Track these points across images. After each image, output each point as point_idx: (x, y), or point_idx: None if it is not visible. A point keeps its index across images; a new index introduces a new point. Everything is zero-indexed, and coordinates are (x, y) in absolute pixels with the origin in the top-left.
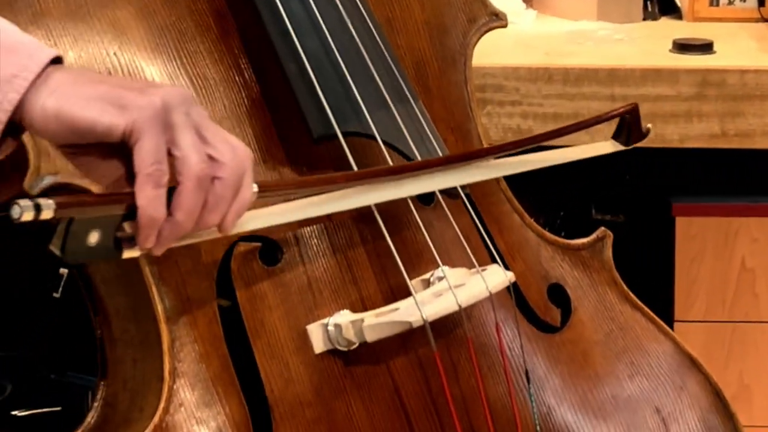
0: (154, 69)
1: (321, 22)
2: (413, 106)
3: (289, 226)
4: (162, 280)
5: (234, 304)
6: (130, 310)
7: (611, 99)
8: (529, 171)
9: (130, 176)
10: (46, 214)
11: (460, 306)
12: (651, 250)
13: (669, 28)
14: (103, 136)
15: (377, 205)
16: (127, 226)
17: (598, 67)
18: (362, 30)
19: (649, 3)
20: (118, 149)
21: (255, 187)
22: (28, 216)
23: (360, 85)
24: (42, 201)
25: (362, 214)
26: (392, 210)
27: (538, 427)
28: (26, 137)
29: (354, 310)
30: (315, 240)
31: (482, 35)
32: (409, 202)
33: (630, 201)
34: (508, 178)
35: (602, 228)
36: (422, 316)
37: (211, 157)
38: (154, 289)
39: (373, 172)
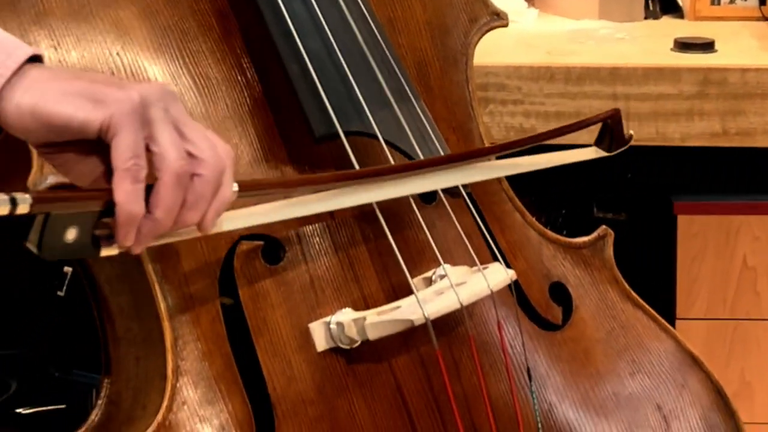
0: (156, 69)
1: (323, 22)
2: (415, 106)
3: (291, 224)
4: (165, 278)
5: (237, 302)
6: (134, 308)
7: (613, 98)
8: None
9: (109, 174)
10: (22, 209)
11: (461, 304)
12: (652, 249)
13: (670, 27)
14: (79, 133)
15: (379, 204)
16: (105, 224)
17: (599, 65)
18: (364, 30)
19: (650, 2)
20: (97, 147)
21: (235, 186)
22: (3, 210)
23: (362, 84)
24: (18, 195)
25: (364, 213)
26: (394, 208)
27: (539, 425)
28: None
29: (356, 309)
30: (317, 238)
31: (484, 35)
32: (411, 200)
33: (632, 199)
34: (510, 177)
35: (603, 226)
36: (424, 314)
37: (190, 154)
38: (157, 288)
39: (360, 173)
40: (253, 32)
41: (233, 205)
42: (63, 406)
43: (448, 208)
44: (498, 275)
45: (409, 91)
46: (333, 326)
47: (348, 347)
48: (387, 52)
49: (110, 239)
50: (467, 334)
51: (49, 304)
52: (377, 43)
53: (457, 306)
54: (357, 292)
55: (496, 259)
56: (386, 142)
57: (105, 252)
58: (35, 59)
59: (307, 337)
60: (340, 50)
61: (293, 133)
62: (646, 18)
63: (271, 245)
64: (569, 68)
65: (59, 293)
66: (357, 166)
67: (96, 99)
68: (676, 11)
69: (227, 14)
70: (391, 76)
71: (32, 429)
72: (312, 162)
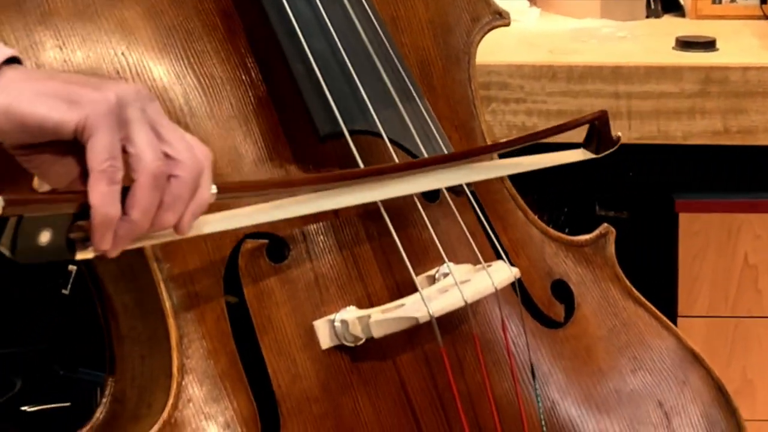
0: (161, 69)
1: (327, 21)
2: (419, 105)
3: (295, 223)
4: (170, 277)
5: (241, 300)
6: (138, 306)
7: (615, 96)
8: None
9: (86, 175)
10: None
11: (466, 302)
12: (654, 246)
13: (672, 26)
14: (54, 134)
15: (383, 202)
16: (81, 227)
17: (601, 64)
18: (368, 29)
19: (652, 1)
20: (73, 148)
21: (214, 188)
22: None
23: (366, 83)
24: None
25: (368, 211)
26: (398, 207)
27: (543, 422)
28: None
29: (360, 306)
30: (321, 237)
31: (486, 34)
32: (415, 199)
33: (633, 197)
34: (512, 176)
35: (605, 224)
36: (429, 312)
37: (167, 155)
38: (162, 286)
39: (345, 175)
40: (257, 32)
41: (226, 206)
42: (68, 405)
43: (452, 206)
44: (502, 273)
45: (413, 90)
46: (337, 324)
47: (352, 345)
48: (391, 51)
49: (86, 242)
50: (471, 331)
51: (53, 302)
52: (381, 42)
53: (462, 304)
54: (361, 290)
55: (499, 257)
56: (391, 140)
57: (80, 255)
58: (13, 60)
59: (311, 335)
60: (344, 49)
61: (298, 133)
62: (647, 17)
63: (276, 243)
64: (571, 67)
65: (64, 292)
66: (362, 165)
67: (71, 100)
68: (677, 10)
69: (232, 14)
70: (395, 75)
71: (37, 427)
72: (317, 161)
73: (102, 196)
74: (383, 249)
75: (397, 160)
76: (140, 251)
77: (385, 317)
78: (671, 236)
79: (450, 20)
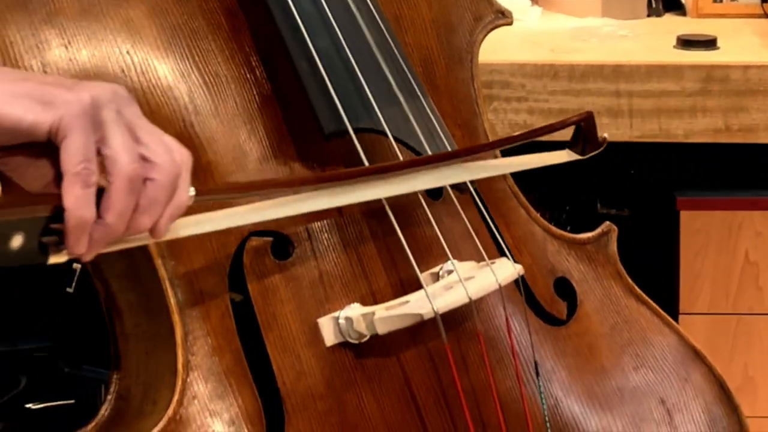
0: (166, 67)
1: (332, 19)
2: (423, 103)
3: (300, 220)
4: (175, 274)
5: (246, 297)
6: (143, 304)
7: (616, 95)
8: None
9: (60, 178)
10: None
11: (470, 298)
12: (656, 244)
13: (673, 25)
14: (28, 135)
15: (387, 200)
16: (54, 230)
17: (603, 63)
18: (372, 28)
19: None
20: (47, 150)
21: (192, 191)
22: None
23: (371, 82)
24: None
25: (373, 209)
26: (402, 204)
27: (546, 419)
28: None
29: (364, 304)
30: (326, 234)
31: (488, 33)
32: (419, 196)
33: (635, 195)
34: (515, 174)
35: (607, 222)
36: (433, 309)
37: (144, 158)
38: (167, 284)
39: (329, 177)
40: (262, 30)
41: (201, 209)
42: (72, 402)
43: (456, 203)
44: (506, 270)
45: (416, 89)
46: (342, 321)
47: (357, 342)
48: (395, 49)
49: (59, 245)
50: (475, 328)
51: (57, 300)
52: (385, 40)
53: (466, 300)
54: (365, 287)
55: (503, 254)
56: (395, 139)
57: (53, 259)
58: None
59: (316, 332)
60: (348, 48)
61: (302, 131)
62: (648, 15)
63: (281, 241)
64: (573, 66)
65: (68, 290)
66: (366, 163)
67: (45, 101)
68: (678, 9)
69: (236, 12)
70: (399, 74)
71: (42, 424)
72: (321, 159)
73: (76, 199)
74: (387, 246)
75: (401, 158)
76: (144, 248)
77: (390, 314)
78: (672, 234)
79: (453, 19)
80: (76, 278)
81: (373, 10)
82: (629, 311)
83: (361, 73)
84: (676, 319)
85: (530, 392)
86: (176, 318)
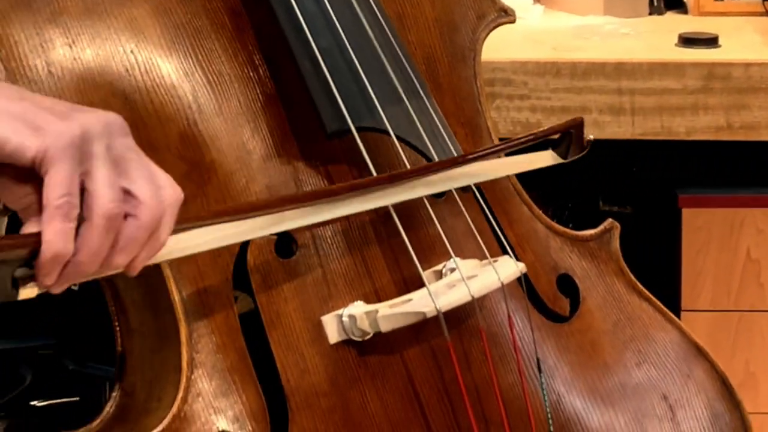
0: (170, 66)
1: (335, 19)
2: (425, 102)
3: None
4: (180, 272)
5: (250, 296)
6: (148, 302)
7: (618, 92)
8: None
9: (42, 205)
10: None
11: (473, 296)
12: (658, 241)
13: (674, 23)
14: (12, 157)
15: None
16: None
17: (605, 61)
18: (375, 27)
19: None
20: (31, 176)
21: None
22: None
23: (373, 81)
24: None
25: (376, 209)
26: (405, 204)
27: (548, 415)
28: None
29: (368, 301)
30: (329, 233)
31: (491, 31)
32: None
33: (637, 193)
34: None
35: (610, 219)
36: (436, 307)
37: (128, 193)
38: (171, 282)
39: (310, 195)
40: (265, 30)
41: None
42: (77, 399)
43: (459, 202)
44: (508, 268)
45: (419, 88)
46: (345, 319)
47: (360, 339)
48: (397, 48)
49: (29, 279)
50: (478, 326)
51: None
52: (388, 39)
53: (469, 298)
54: (369, 285)
55: (505, 252)
56: (397, 137)
57: (23, 294)
58: None
59: (319, 330)
60: (351, 47)
61: (305, 129)
62: (650, 14)
63: (284, 240)
64: (575, 63)
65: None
66: (369, 162)
67: (35, 126)
68: (680, 7)
69: (240, 12)
70: (401, 73)
71: (47, 421)
72: (324, 157)
73: (54, 234)
74: (391, 245)
75: (404, 157)
76: None
77: (393, 312)
78: (674, 231)
79: (456, 18)
80: None
81: (376, 9)
82: (632, 308)
83: (363, 73)
84: (678, 316)
85: (532, 388)
86: (181, 316)
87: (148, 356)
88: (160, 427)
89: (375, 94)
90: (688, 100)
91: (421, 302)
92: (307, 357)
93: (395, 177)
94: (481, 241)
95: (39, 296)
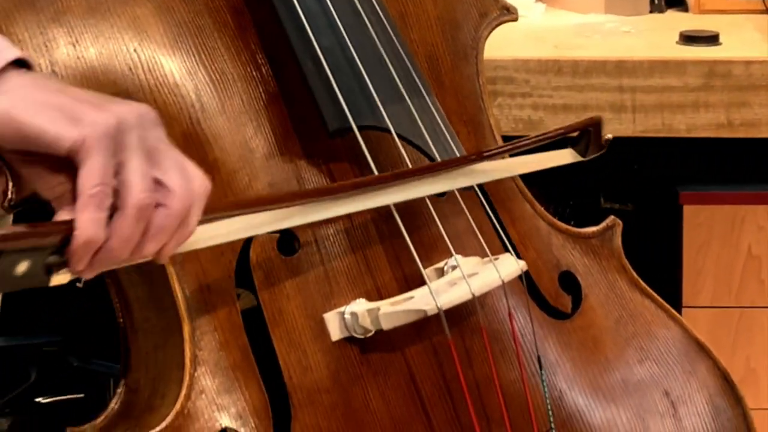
0: (173, 65)
1: (336, 18)
2: (427, 101)
3: None
4: (183, 269)
5: (253, 293)
6: (152, 299)
7: (619, 90)
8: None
9: (75, 193)
10: None
11: (473, 294)
12: (659, 238)
13: (675, 21)
14: (50, 147)
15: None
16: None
17: (606, 59)
18: (377, 25)
19: None
20: (66, 164)
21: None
22: None
23: (375, 80)
24: None
25: (378, 207)
26: (408, 202)
27: (550, 411)
28: None
29: (370, 299)
30: (332, 231)
31: (493, 29)
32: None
33: (638, 190)
34: None
35: (612, 216)
36: (437, 305)
37: (159, 182)
38: (175, 279)
39: (336, 189)
40: (267, 29)
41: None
42: (81, 396)
43: (460, 200)
44: (509, 266)
45: (421, 86)
46: (347, 316)
47: (362, 337)
48: (399, 47)
49: (62, 265)
50: (479, 323)
51: (67, 295)
52: (390, 38)
53: (469, 296)
54: (370, 282)
55: (506, 250)
56: (399, 136)
57: (56, 280)
58: (23, 64)
59: (322, 327)
60: (353, 46)
61: (307, 128)
62: (651, 12)
63: (287, 237)
64: (576, 61)
65: (78, 284)
66: (370, 160)
67: (73, 117)
68: (680, 5)
69: (242, 11)
70: (403, 71)
71: (51, 418)
72: (326, 156)
73: (87, 222)
74: (392, 243)
75: (406, 156)
76: None
77: (395, 310)
78: (676, 228)
79: (458, 16)
80: None
81: (378, 8)
82: (634, 304)
83: (365, 71)
84: (679, 313)
85: (533, 385)
86: (184, 313)
87: (152, 353)
88: (164, 423)
89: (377, 92)
90: (689, 98)
91: (422, 300)
92: (309, 354)
93: (399, 175)
94: (482, 239)
95: (44, 294)
